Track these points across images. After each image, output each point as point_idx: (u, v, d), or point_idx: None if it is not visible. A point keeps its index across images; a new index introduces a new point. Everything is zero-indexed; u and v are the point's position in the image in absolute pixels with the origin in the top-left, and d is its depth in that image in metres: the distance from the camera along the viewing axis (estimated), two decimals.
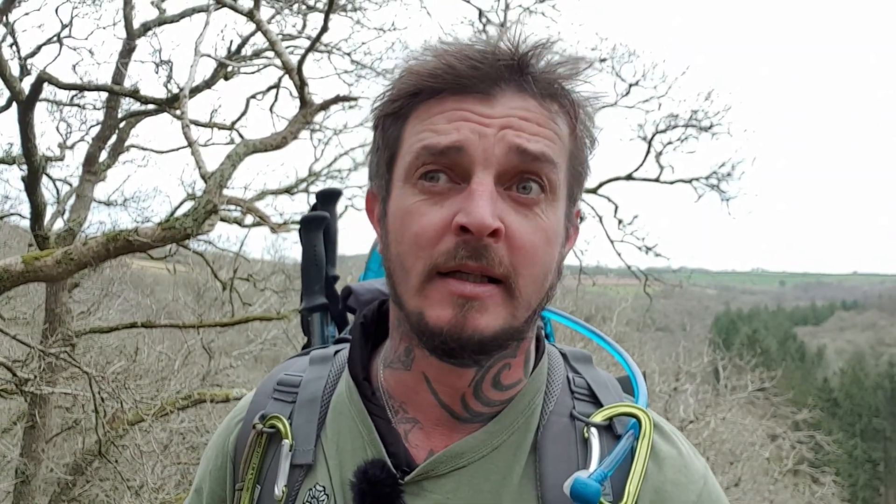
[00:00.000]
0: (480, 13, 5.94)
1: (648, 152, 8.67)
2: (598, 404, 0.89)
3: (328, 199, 1.21)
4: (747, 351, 16.13)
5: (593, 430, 0.85)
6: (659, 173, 8.79)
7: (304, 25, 7.97)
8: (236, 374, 12.53)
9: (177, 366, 10.16)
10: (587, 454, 0.84)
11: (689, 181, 8.90)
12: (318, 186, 10.36)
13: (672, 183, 8.86)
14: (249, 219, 9.41)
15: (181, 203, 10.10)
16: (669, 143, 8.73)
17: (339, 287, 1.20)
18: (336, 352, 1.00)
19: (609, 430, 0.86)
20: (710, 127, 8.42)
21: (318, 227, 1.17)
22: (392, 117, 0.85)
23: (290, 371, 0.99)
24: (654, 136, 8.60)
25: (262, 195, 9.56)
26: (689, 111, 8.54)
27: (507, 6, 6.97)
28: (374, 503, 0.83)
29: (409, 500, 0.84)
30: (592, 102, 0.85)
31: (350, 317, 1.18)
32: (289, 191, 9.88)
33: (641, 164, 8.88)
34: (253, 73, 9.00)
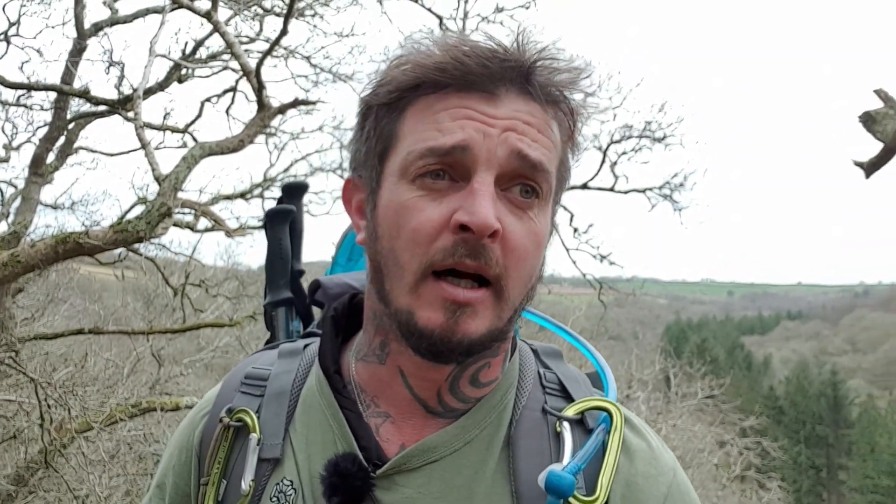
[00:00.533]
0: (441, 21, 5.96)
1: (603, 162, 8.81)
2: (569, 399, 0.90)
3: (294, 192, 1.20)
4: (697, 359, 16.43)
5: (565, 424, 0.86)
6: (613, 183, 8.93)
7: (261, 28, 7.90)
8: (186, 383, 12.26)
9: (125, 373, 9.91)
10: (560, 448, 0.84)
11: (643, 191, 9.07)
12: (274, 192, 10.26)
13: (626, 192, 9.01)
14: (203, 223, 9.27)
15: (132, 207, 9.88)
16: (624, 153, 8.89)
17: (304, 282, 1.19)
18: (305, 346, 0.99)
19: (581, 424, 0.87)
20: (664, 138, 8.61)
21: (283, 221, 1.15)
22: (387, 108, 0.84)
23: (257, 364, 0.97)
24: (608, 146, 8.74)
25: (216, 199, 9.42)
26: (643, 122, 8.73)
27: (465, 14, 7.01)
28: (344, 497, 0.82)
29: (381, 493, 0.83)
30: (587, 110, 0.86)
31: (316, 311, 1.17)
32: (244, 195, 9.75)
33: (597, 174, 9.01)
34: (208, 76, 8.88)
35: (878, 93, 4.03)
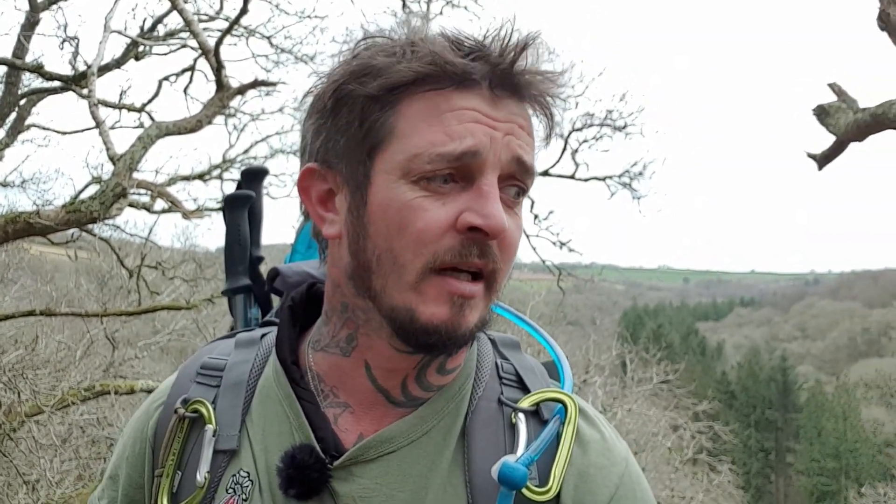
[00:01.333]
0: (404, 3, 5.91)
1: (564, 149, 8.87)
2: (525, 390, 0.91)
3: (254, 177, 1.18)
4: (653, 345, 16.71)
5: (521, 415, 0.87)
6: (574, 170, 9.01)
7: (221, 7, 7.75)
8: (141, 366, 12.08)
9: (78, 356, 9.72)
10: (514, 439, 0.85)
11: (603, 179, 9.16)
12: (233, 174, 10.11)
13: (586, 180, 9.10)
14: (159, 204, 9.10)
15: (86, 186, 9.65)
16: (585, 141, 8.96)
17: (264, 268, 1.18)
18: (262, 335, 0.98)
19: (536, 415, 0.88)
20: (625, 127, 8.70)
21: (242, 206, 1.14)
22: (374, 100, 0.81)
23: (214, 354, 0.96)
24: (570, 133, 8.80)
25: (173, 180, 9.25)
26: (604, 111, 8.80)
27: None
28: (301, 488, 0.82)
29: (337, 485, 0.83)
30: (563, 109, 0.88)
31: (275, 299, 1.16)
32: (202, 177, 9.59)
33: (557, 161, 9.07)
34: (166, 54, 8.70)
35: (832, 87, 4.11)
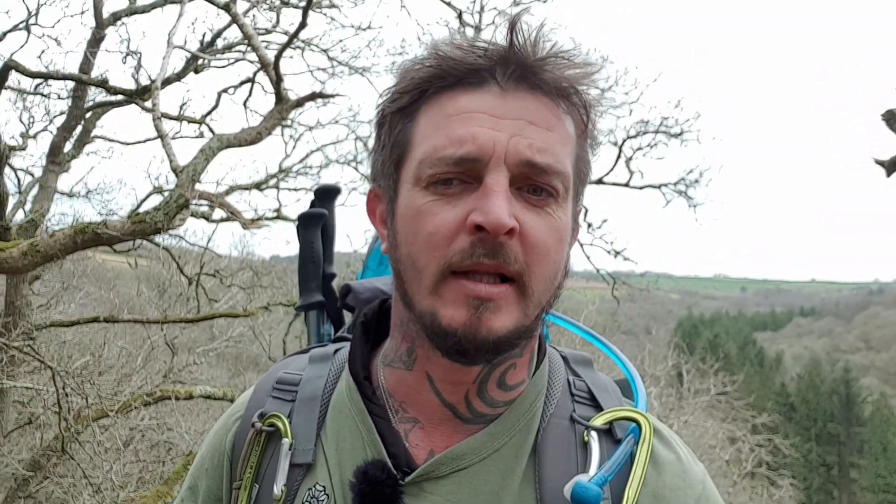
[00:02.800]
0: (460, 14, 5.94)
1: (619, 157, 8.76)
2: (598, 408, 0.90)
3: (326, 195, 1.20)
4: (710, 355, 16.36)
5: (593, 433, 0.86)
6: (629, 178, 8.90)
7: (278, 20, 7.90)
8: (199, 372, 12.34)
9: (139, 362, 9.98)
10: (587, 458, 0.84)
11: (658, 187, 9.02)
12: (289, 183, 10.28)
13: (641, 188, 8.97)
14: (217, 214, 9.30)
15: (147, 196, 9.96)
16: (639, 148, 8.84)
17: (336, 285, 1.19)
18: (336, 350, 0.99)
19: (609, 433, 0.87)
20: (680, 134, 8.56)
21: (316, 224, 1.16)
22: (400, 114, 0.84)
23: (289, 369, 0.98)
24: (624, 141, 8.70)
25: (231, 189, 9.45)
26: (659, 118, 8.67)
27: (482, 8, 6.99)
28: None
29: (409, 500, 0.83)
30: (601, 104, 0.85)
31: (347, 315, 1.17)
32: (259, 186, 9.77)
33: (612, 169, 8.97)
34: (224, 66, 8.91)
35: None
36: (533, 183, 0.79)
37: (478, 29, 6.99)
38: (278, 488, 0.87)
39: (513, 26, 0.79)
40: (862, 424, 45.46)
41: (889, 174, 4.29)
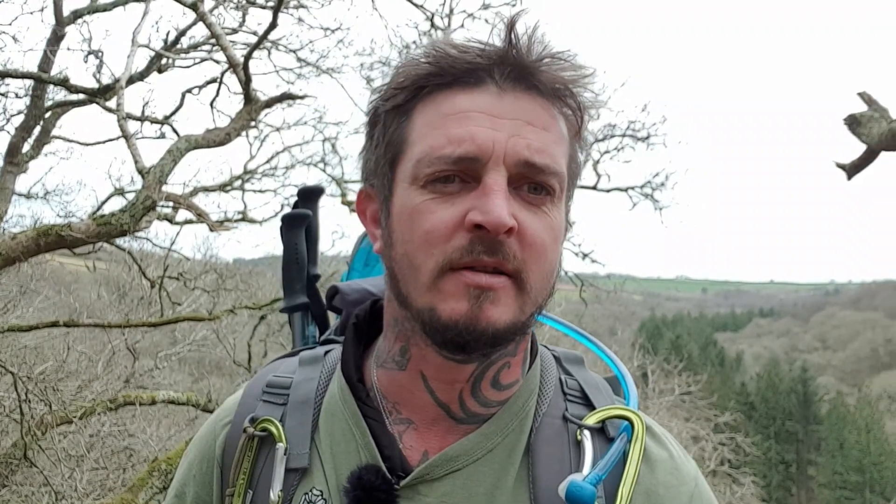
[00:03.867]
0: (432, 17, 5.94)
1: (587, 160, 8.79)
2: (590, 406, 0.90)
3: (310, 196, 1.19)
4: (673, 356, 16.58)
5: (586, 432, 0.86)
6: (596, 181, 8.97)
7: (244, 20, 7.81)
8: (161, 376, 12.15)
9: (100, 367, 9.79)
10: (580, 457, 0.84)
11: (625, 190, 9.12)
12: (254, 185, 10.17)
13: (608, 191, 9.05)
14: (181, 216, 9.16)
15: (108, 198, 9.77)
16: (607, 151, 8.92)
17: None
18: (326, 352, 0.98)
19: (602, 432, 0.87)
20: (647, 137, 8.66)
21: (299, 225, 1.14)
22: (395, 112, 0.84)
23: (278, 372, 0.96)
24: (592, 144, 8.73)
25: (195, 192, 9.31)
26: (626, 121, 8.76)
27: (451, 11, 6.99)
28: None
29: None
30: (595, 107, 0.86)
31: (331, 316, 1.16)
32: (224, 188, 9.65)
33: None
34: (188, 66, 8.77)
35: (862, 95, 4.07)
36: (531, 182, 0.79)
37: (447, 32, 6.99)
38: (274, 494, 0.86)
39: (511, 26, 0.80)
40: (819, 422, 46.47)
41: (850, 177, 4.39)
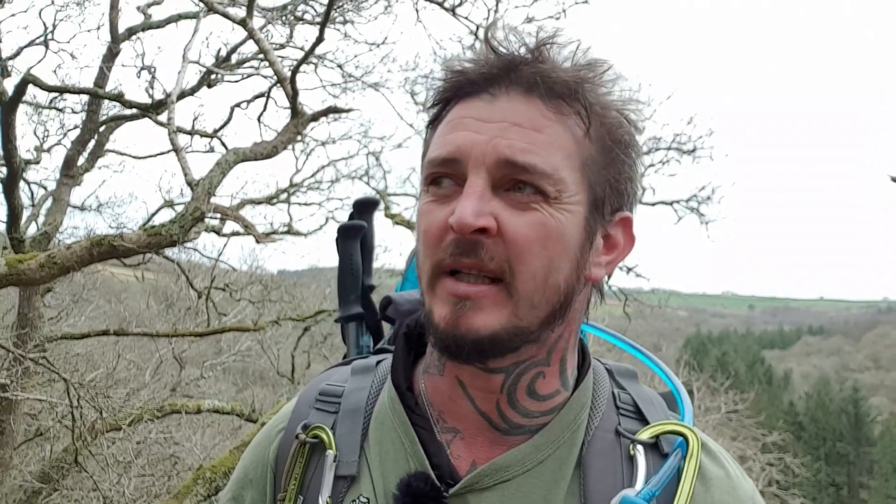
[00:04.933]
0: (477, 29, 5.98)
1: (629, 166, 8.70)
2: (643, 421, 0.89)
3: (365, 207, 1.21)
4: (719, 373, 16.26)
5: (639, 447, 0.85)
6: (641, 194, 8.84)
7: (291, 35, 7.95)
8: (207, 386, 12.33)
9: (147, 375, 9.99)
10: (633, 472, 0.83)
11: (671, 203, 9.01)
12: (299, 198, 10.31)
13: (653, 205, 8.95)
14: (228, 227, 9.32)
15: (158, 210, 9.98)
16: (651, 165, 8.82)
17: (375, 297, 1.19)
18: (378, 362, 0.99)
19: (655, 447, 0.86)
20: (693, 150, 8.54)
21: (355, 237, 1.16)
22: (429, 127, 0.88)
23: (331, 381, 0.98)
24: (632, 149, 8.63)
25: (242, 204, 9.48)
26: (672, 134, 8.67)
27: (494, 24, 7.00)
28: None
29: None
30: (624, 104, 0.85)
31: (386, 326, 1.17)
32: (270, 201, 9.80)
33: None
34: (237, 81, 8.95)
35: None
36: (517, 181, 0.79)
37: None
38: (323, 500, 0.87)
39: (486, 35, 0.83)
40: (871, 444, 45.05)
41: None
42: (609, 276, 0.91)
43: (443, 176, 0.82)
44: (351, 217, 1.19)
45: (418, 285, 1.17)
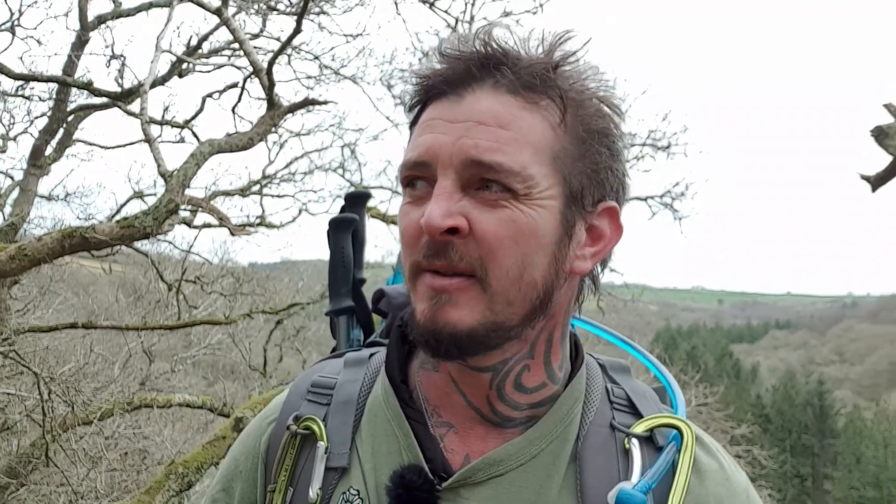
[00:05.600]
0: (457, 22, 5.97)
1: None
2: (637, 415, 0.89)
3: (357, 200, 1.20)
4: (689, 367, 16.46)
5: (634, 441, 0.85)
6: (630, 183, 8.88)
7: (265, 26, 7.86)
8: (177, 379, 12.21)
9: (117, 369, 9.85)
10: (628, 465, 0.84)
11: (645, 199, 9.07)
12: (272, 190, 10.22)
13: (627, 200, 8.97)
14: (200, 219, 9.21)
15: (127, 201, 9.84)
16: (626, 161, 8.83)
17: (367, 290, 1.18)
18: (371, 355, 0.98)
19: (650, 441, 0.86)
20: (668, 147, 8.60)
21: (346, 229, 1.15)
22: (410, 127, 0.89)
23: (324, 373, 0.97)
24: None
25: (214, 196, 9.37)
26: (647, 131, 8.71)
27: (472, 18, 7.00)
28: None
29: None
30: (597, 90, 0.84)
31: (377, 319, 1.16)
32: (242, 192, 9.70)
33: None
34: (209, 71, 8.83)
35: (888, 107, 4.04)
36: (486, 181, 0.79)
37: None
38: (313, 492, 0.86)
39: (449, 38, 0.85)
40: (835, 436, 46.00)
41: (875, 189, 4.35)
42: (603, 268, 0.90)
43: (416, 178, 0.82)
44: (342, 210, 1.18)
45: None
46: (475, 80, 0.81)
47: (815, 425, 46.75)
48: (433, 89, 0.83)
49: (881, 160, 4.16)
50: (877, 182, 4.30)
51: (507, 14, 6.58)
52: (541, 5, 6.43)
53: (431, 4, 6.11)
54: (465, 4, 6.46)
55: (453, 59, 0.82)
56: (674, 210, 9.06)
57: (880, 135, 3.74)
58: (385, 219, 7.85)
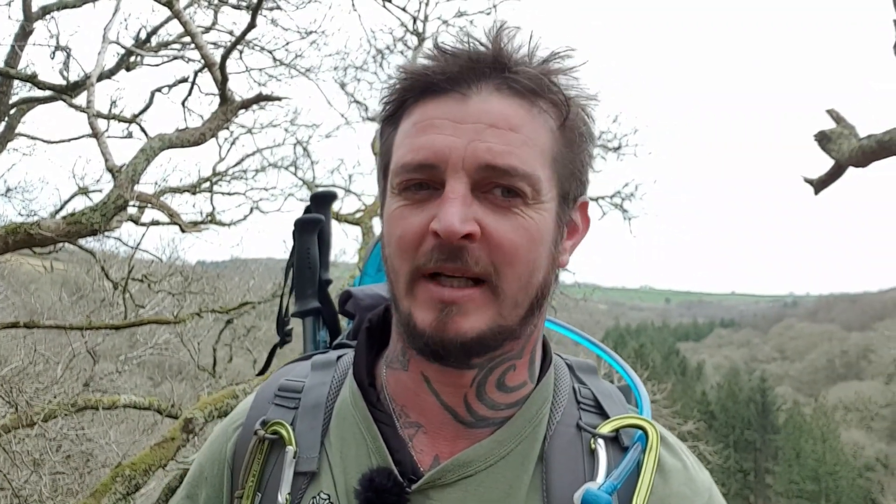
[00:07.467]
0: (415, 21, 5.95)
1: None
2: (603, 415, 0.90)
3: (323, 201, 1.18)
4: (638, 365, 16.73)
5: (600, 441, 0.86)
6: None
7: (216, 19, 7.71)
8: (122, 380, 11.92)
9: (59, 370, 9.57)
10: (594, 466, 0.84)
11: (595, 199, 9.19)
12: (223, 187, 10.04)
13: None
14: (147, 216, 9.00)
15: (72, 197, 9.55)
16: None
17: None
18: (338, 357, 0.97)
19: (615, 441, 0.87)
20: (619, 148, 8.74)
21: (312, 230, 1.14)
22: (387, 123, 0.86)
23: (291, 377, 0.96)
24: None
25: (163, 192, 9.17)
26: (598, 131, 8.81)
27: (426, 17, 7.00)
28: None
29: None
30: (585, 97, 0.85)
31: (343, 321, 1.15)
32: (192, 190, 9.51)
33: None
34: (158, 65, 8.64)
35: (830, 113, 4.17)
36: (497, 185, 0.79)
37: (422, 38, 7.00)
38: (282, 497, 0.85)
39: (469, 32, 0.82)
40: (776, 432, 47.27)
41: (817, 192, 4.48)
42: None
43: (419, 181, 0.80)
44: (307, 210, 1.17)
45: (379, 281, 1.16)
46: (481, 78, 0.80)
47: (757, 421, 47.96)
48: (428, 86, 0.81)
49: (824, 164, 4.29)
50: (819, 185, 4.43)
51: (460, 14, 6.61)
52: (494, 6, 6.47)
53: (385, 2, 6.08)
54: (420, 3, 6.45)
55: (457, 55, 0.81)
56: (623, 210, 9.21)
57: (823, 139, 3.86)
58: (339, 218, 7.78)
